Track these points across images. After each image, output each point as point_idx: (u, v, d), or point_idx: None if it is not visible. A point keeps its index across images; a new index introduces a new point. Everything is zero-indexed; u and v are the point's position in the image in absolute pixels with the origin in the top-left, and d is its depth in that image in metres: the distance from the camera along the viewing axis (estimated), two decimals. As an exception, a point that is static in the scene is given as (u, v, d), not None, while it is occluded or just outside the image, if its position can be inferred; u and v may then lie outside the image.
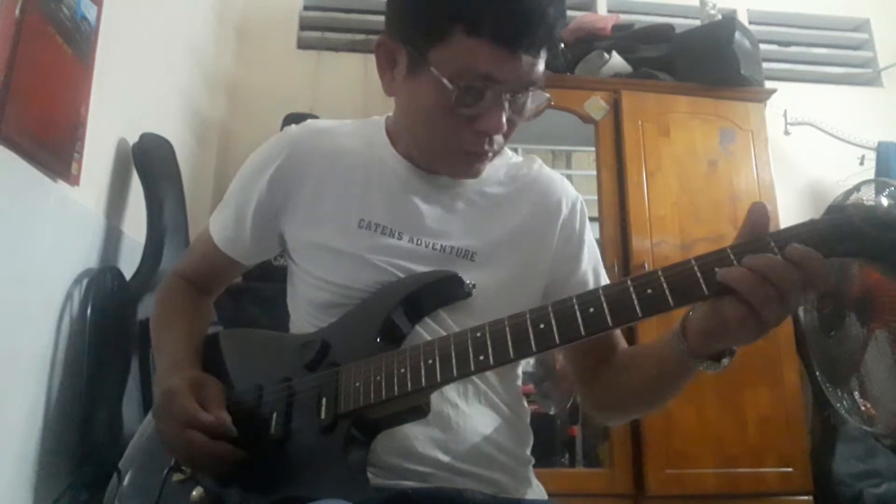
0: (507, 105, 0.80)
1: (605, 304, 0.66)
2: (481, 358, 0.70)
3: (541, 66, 0.80)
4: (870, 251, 0.60)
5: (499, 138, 0.85)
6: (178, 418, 0.78)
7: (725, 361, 0.72)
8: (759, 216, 0.65)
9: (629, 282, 0.66)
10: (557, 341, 0.68)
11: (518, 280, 0.90)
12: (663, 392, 0.83)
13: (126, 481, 0.90)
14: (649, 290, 0.64)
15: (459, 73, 0.77)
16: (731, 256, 0.63)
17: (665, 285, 0.64)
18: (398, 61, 0.85)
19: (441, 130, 0.83)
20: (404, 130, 0.92)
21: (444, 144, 0.85)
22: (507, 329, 0.70)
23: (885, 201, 0.59)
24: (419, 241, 0.88)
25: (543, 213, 0.95)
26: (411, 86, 0.83)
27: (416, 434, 0.81)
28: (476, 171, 0.89)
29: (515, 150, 3.07)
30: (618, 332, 0.93)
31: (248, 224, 0.94)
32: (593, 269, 0.96)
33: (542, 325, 0.69)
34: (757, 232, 0.64)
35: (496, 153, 0.88)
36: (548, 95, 0.84)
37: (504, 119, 0.81)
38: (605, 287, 0.68)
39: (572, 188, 1.00)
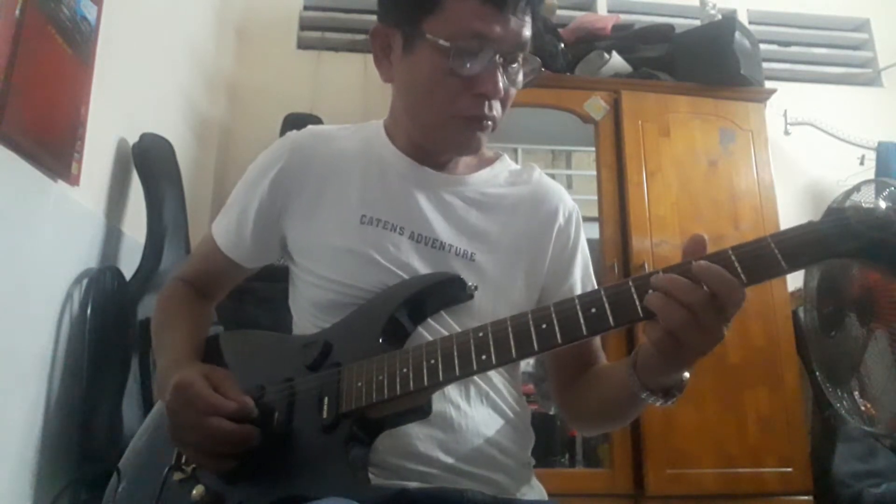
0: (501, 70, 0.84)
1: (606, 305, 0.67)
2: (483, 357, 0.71)
3: (527, 31, 0.85)
4: (868, 252, 0.61)
5: (497, 105, 0.87)
6: (197, 408, 0.76)
7: (675, 397, 0.74)
8: (696, 248, 0.67)
9: (630, 282, 0.66)
10: (560, 341, 0.68)
11: (516, 282, 0.91)
12: (616, 416, 0.89)
13: (126, 481, 0.90)
14: (651, 291, 0.65)
15: (453, 34, 0.82)
16: (732, 256, 0.64)
17: None
18: (393, 45, 0.89)
19: (441, 97, 0.86)
20: (404, 114, 0.93)
21: (444, 112, 0.87)
22: (510, 329, 0.71)
23: (882, 203, 0.59)
24: (420, 238, 0.89)
25: (541, 219, 0.96)
26: (408, 61, 0.87)
27: (419, 434, 0.81)
28: (477, 141, 0.89)
29: (515, 150, 3.04)
30: (598, 346, 0.97)
31: (249, 227, 0.95)
32: (581, 279, 0.98)
33: (544, 325, 0.69)
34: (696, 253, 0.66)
35: (495, 123, 0.89)
36: (539, 60, 0.89)
37: (500, 82, 0.84)
38: (607, 287, 0.69)
39: (570, 198, 1.02)
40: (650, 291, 0.65)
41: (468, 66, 0.83)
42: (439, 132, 0.90)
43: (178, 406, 0.78)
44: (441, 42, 0.82)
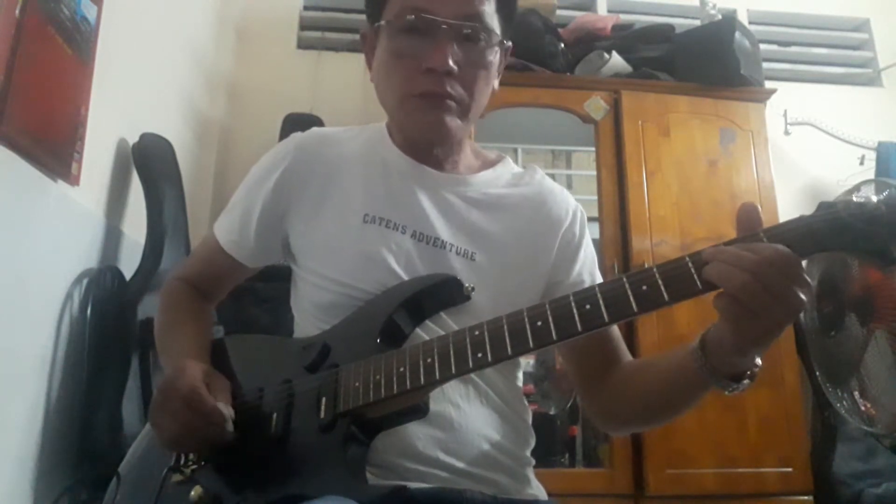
0: (451, 44, 0.84)
1: (601, 301, 0.67)
2: (479, 356, 0.71)
3: (478, 2, 0.85)
4: (860, 245, 0.61)
5: (456, 85, 0.86)
6: (181, 391, 0.78)
7: (746, 382, 0.71)
8: (750, 214, 0.66)
9: (625, 278, 0.67)
10: (555, 338, 0.68)
11: (517, 282, 0.91)
12: (671, 408, 0.84)
13: (126, 485, 0.90)
14: (644, 287, 0.65)
15: (397, 14, 0.86)
16: None
17: (660, 281, 0.65)
18: (375, 44, 0.93)
19: (395, 79, 0.88)
20: (385, 108, 0.94)
21: (399, 93, 0.88)
22: (506, 327, 0.71)
23: (874, 197, 0.60)
24: (421, 237, 0.89)
25: (545, 220, 0.96)
26: (377, 54, 0.91)
27: (418, 434, 0.81)
28: (440, 121, 0.87)
29: (515, 150, 3.04)
30: (621, 343, 0.94)
31: (252, 227, 0.95)
32: (589, 272, 0.98)
33: (539, 323, 0.69)
34: (750, 229, 0.65)
35: (460, 103, 0.88)
36: (496, 32, 0.88)
37: (449, 57, 0.84)
38: (602, 284, 0.69)
39: (572, 198, 1.02)
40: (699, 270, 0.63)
41: (413, 42, 0.85)
42: (401, 115, 0.91)
43: (167, 386, 0.81)
44: (383, 23, 0.86)
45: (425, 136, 0.92)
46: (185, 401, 0.78)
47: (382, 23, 0.87)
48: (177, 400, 0.78)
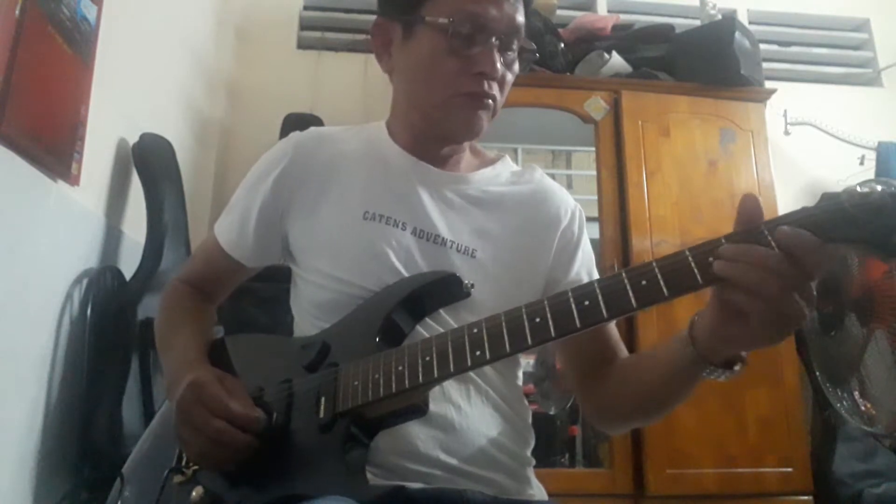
0: (499, 52, 0.87)
1: (600, 297, 0.66)
2: (478, 353, 0.71)
3: (521, 16, 0.90)
4: (863, 237, 0.60)
5: (495, 87, 0.89)
6: (208, 407, 0.77)
7: (737, 368, 0.71)
8: (751, 207, 0.65)
9: (624, 273, 0.66)
10: (553, 334, 0.68)
11: (517, 279, 0.91)
12: (666, 400, 0.84)
13: (129, 486, 0.90)
14: (644, 282, 0.64)
15: (450, 15, 0.86)
16: (724, 244, 0.63)
17: (660, 276, 0.64)
18: (393, 37, 0.93)
19: (441, 77, 0.88)
20: (405, 102, 0.95)
21: (444, 91, 0.88)
22: (504, 324, 0.71)
23: (878, 187, 0.58)
24: (422, 234, 0.90)
25: (544, 218, 0.97)
26: (409, 47, 0.90)
27: (419, 434, 0.81)
28: (479, 120, 0.90)
29: (515, 150, 3.03)
30: (617, 339, 0.95)
31: (252, 225, 0.95)
32: (587, 271, 0.98)
33: (538, 319, 0.69)
34: (752, 222, 0.64)
35: (496, 105, 0.91)
36: (533, 45, 0.92)
37: (497, 63, 0.87)
38: (601, 280, 0.68)
39: (570, 197, 1.03)
40: (710, 260, 0.62)
41: (466, 45, 0.86)
42: (441, 113, 0.90)
43: (189, 404, 0.79)
44: (440, 20, 0.85)
45: (460, 134, 0.94)
46: (214, 416, 0.76)
47: (428, 20, 0.87)
48: (207, 419, 0.76)
